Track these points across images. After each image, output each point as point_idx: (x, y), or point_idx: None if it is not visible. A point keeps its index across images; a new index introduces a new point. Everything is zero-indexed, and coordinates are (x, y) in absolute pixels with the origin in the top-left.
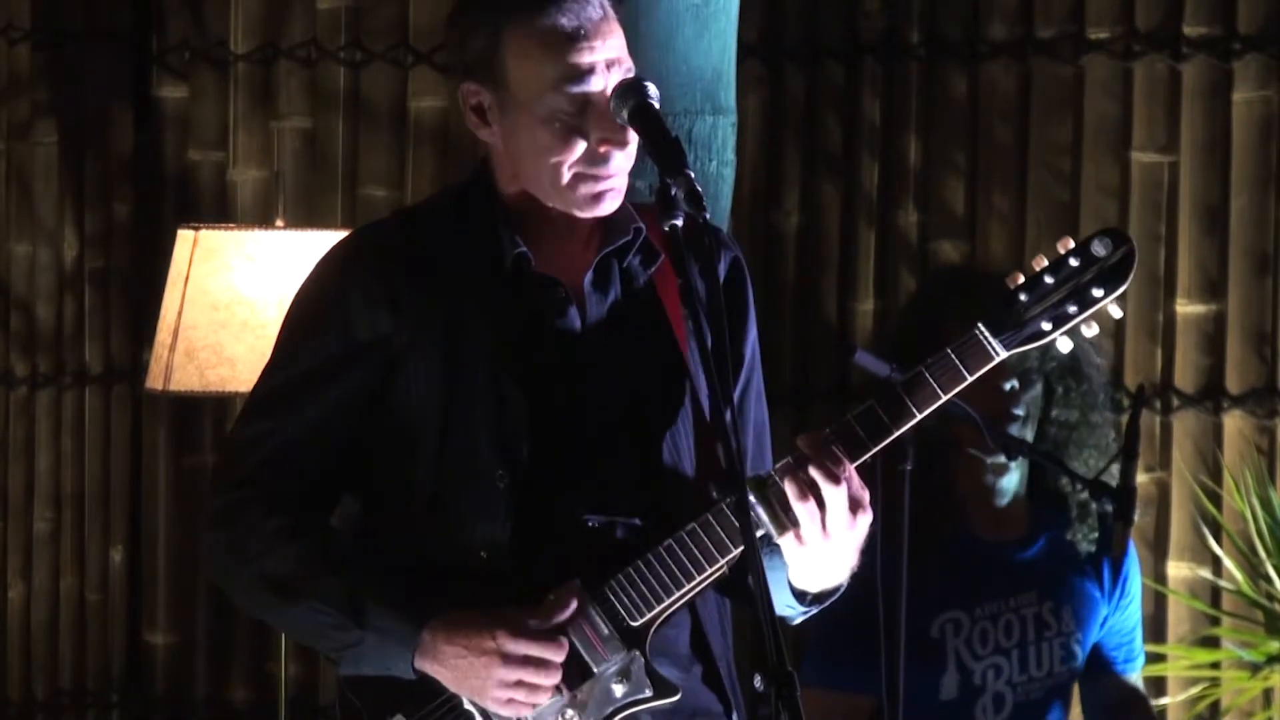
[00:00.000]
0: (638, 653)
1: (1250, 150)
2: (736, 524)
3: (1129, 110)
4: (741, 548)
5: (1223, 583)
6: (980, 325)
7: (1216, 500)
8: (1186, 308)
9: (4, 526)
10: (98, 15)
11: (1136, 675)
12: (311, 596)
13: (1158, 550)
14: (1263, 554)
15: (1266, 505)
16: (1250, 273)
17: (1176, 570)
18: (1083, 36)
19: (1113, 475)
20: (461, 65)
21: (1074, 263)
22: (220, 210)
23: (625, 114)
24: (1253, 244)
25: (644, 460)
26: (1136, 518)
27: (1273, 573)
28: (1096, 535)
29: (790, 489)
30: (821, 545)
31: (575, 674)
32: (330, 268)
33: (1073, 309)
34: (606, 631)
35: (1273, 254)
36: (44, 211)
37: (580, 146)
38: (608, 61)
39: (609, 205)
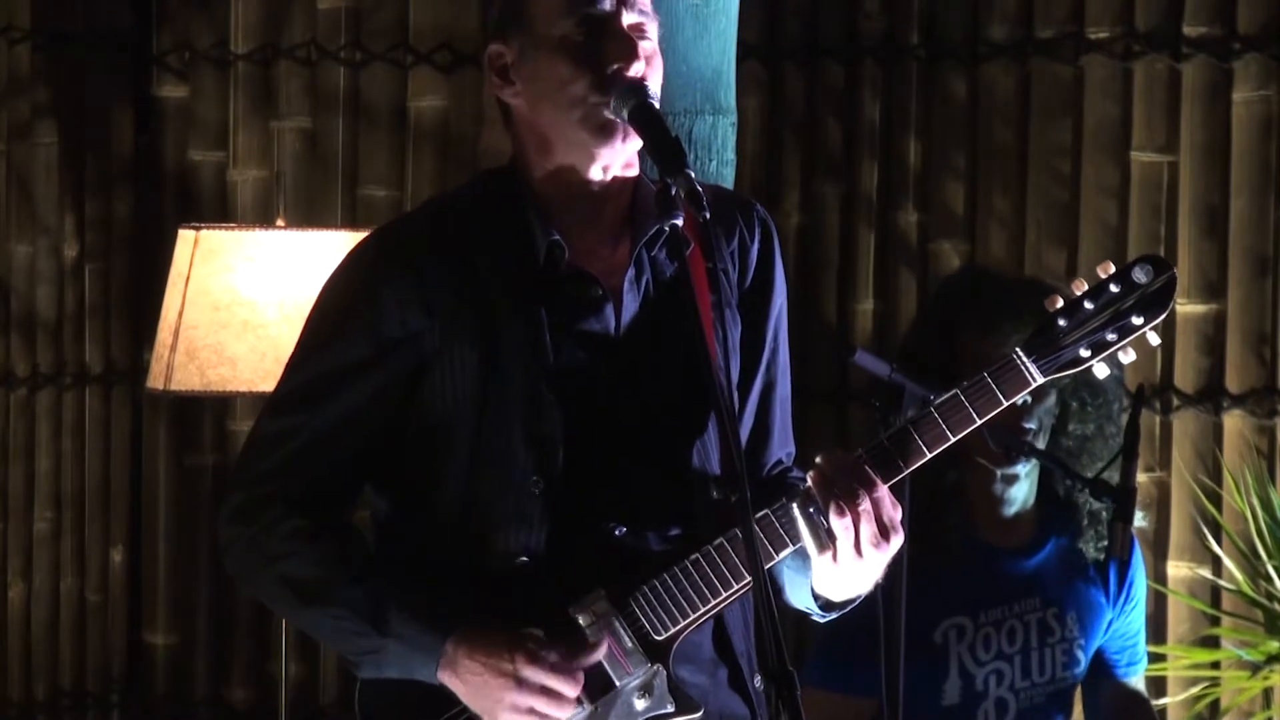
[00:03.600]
0: (661, 667)
1: (1250, 150)
2: (764, 538)
3: (1129, 110)
4: (770, 565)
5: (1223, 583)
6: (1018, 349)
7: (1216, 500)
8: (1186, 308)
9: (4, 526)
10: (98, 15)
11: (1138, 679)
12: (333, 603)
13: (1158, 550)
14: (1263, 554)
15: (1266, 505)
16: (1250, 273)
17: (1176, 570)
18: (1083, 37)
19: (1113, 475)
20: (490, 30)
21: (1114, 289)
22: (220, 210)
23: (625, 113)
24: (1252, 244)
25: (675, 468)
26: (1139, 519)
27: (1273, 573)
28: (1105, 544)
29: (830, 509)
30: (853, 563)
31: (597, 686)
32: (360, 264)
33: (1112, 336)
34: (630, 645)
35: (1272, 254)
36: (44, 211)
37: (593, 70)
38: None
39: (619, 141)
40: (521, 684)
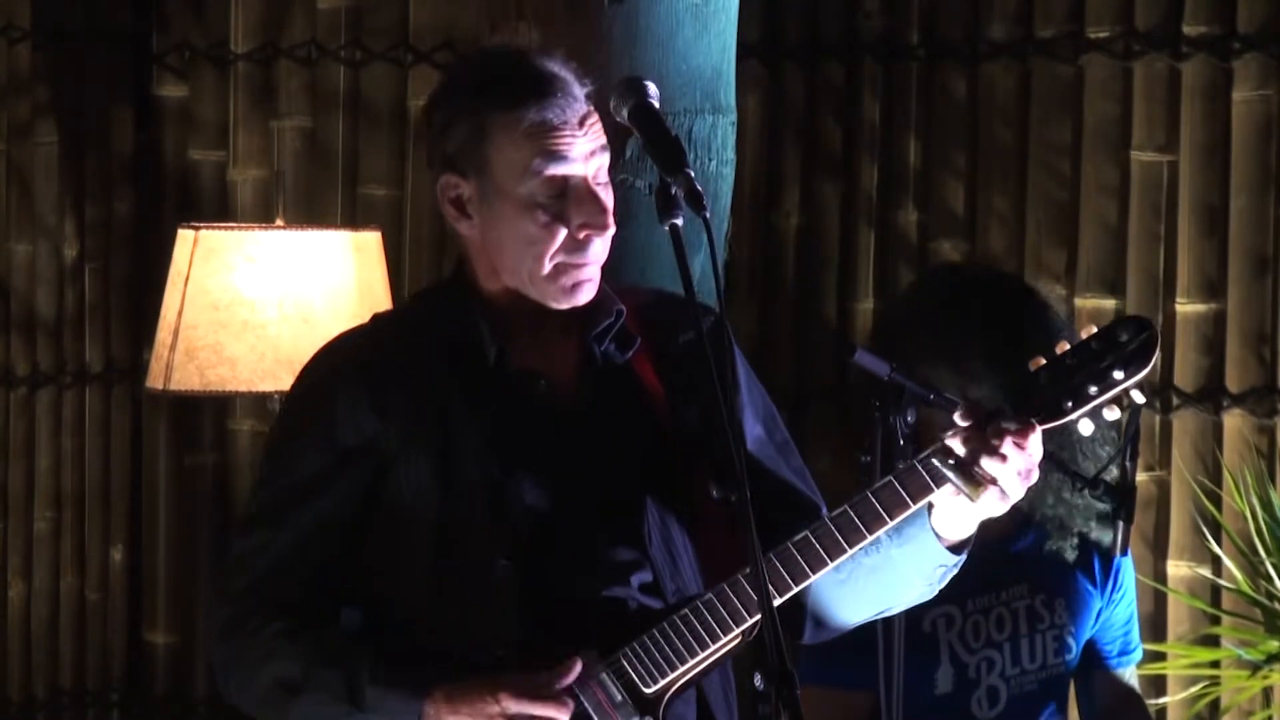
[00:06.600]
0: (650, 719)
1: (1250, 150)
2: (753, 594)
3: (1129, 110)
4: (756, 618)
5: (1222, 582)
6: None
7: (1216, 499)
8: (1186, 307)
9: (4, 526)
10: (98, 15)
11: (1131, 671)
12: (311, 691)
13: (1157, 549)
14: (1262, 553)
15: (1266, 504)
16: (1250, 273)
17: (1176, 569)
18: (1082, 36)
19: (1111, 474)
20: (441, 157)
21: (1095, 346)
22: (220, 210)
23: (625, 113)
24: (1252, 244)
25: (637, 536)
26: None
27: (1272, 572)
28: (1077, 543)
29: (984, 455)
30: (996, 503)
31: None
32: (312, 378)
33: (1093, 389)
34: (620, 698)
35: (1272, 254)
36: (44, 211)
37: (561, 234)
38: (590, 150)
39: (585, 295)
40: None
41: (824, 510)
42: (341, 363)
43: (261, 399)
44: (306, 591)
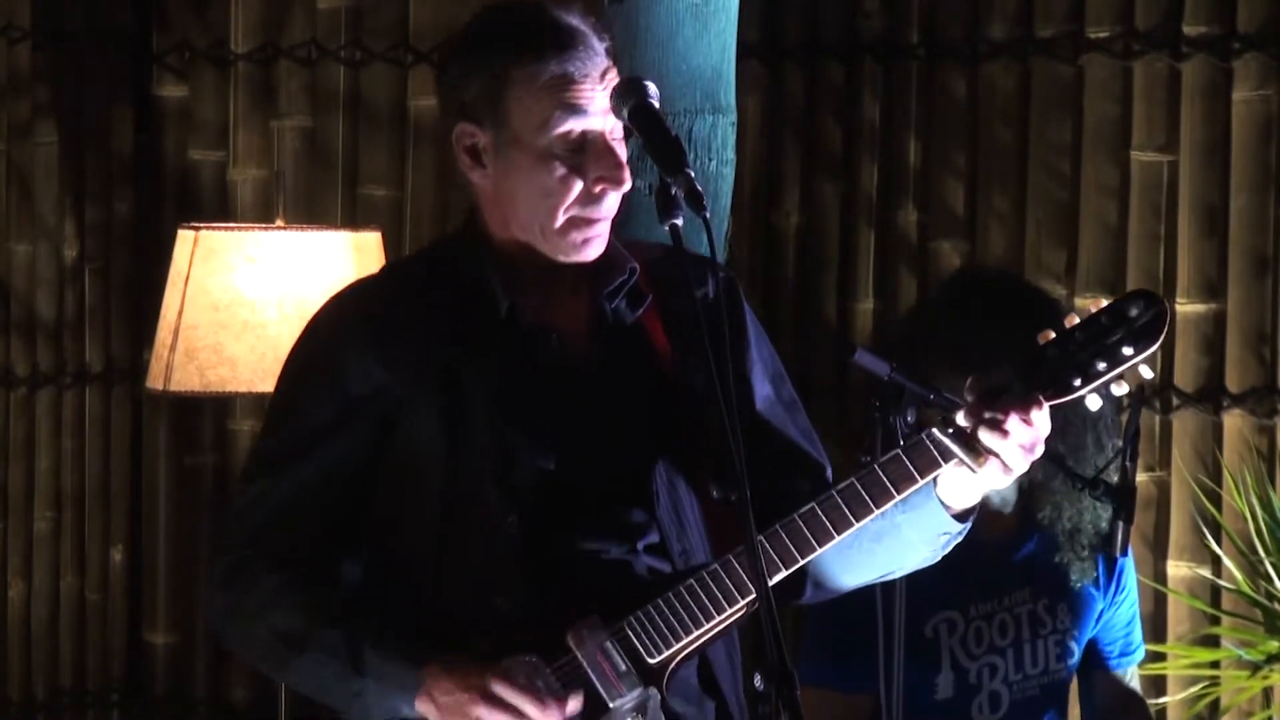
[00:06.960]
0: (654, 690)
1: (1250, 150)
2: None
3: (1128, 110)
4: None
5: (1222, 582)
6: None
7: (1216, 500)
8: (1186, 307)
9: (4, 526)
10: (98, 15)
11: (1133, 670)
12: (313, 649)
13: (1157, 550)
14: (1262, 553)
15: (1266, 505)
16: (1250, 272)
17: (1176, 570)
18: (1082, 36)
19: (1112, 474)
20: (458, 106)
21: (1105, 321)
22: (220, 210)
23: (625, 113)
24: (1252, 244)
25: (645, 497)
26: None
27: (1272, 572)
28: (1087, 567)
29: (987, 429)
30: (1000, 476)
31: (591, 708)
32: (319, 328)
33: (1102, 366)
34: (624, 667)
35: (1272, 254)
36: (44, 211)
37: (577, 186)
38: (609, 106)
39: (594, 251)
40: (488, 698)
41: (829, 471)
42: (348, 313)
43: (262, 399)
44: (306, 542)
